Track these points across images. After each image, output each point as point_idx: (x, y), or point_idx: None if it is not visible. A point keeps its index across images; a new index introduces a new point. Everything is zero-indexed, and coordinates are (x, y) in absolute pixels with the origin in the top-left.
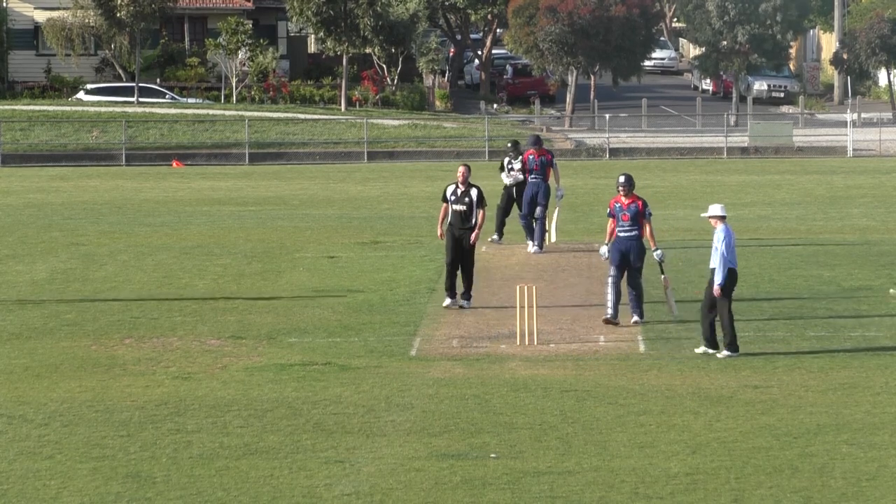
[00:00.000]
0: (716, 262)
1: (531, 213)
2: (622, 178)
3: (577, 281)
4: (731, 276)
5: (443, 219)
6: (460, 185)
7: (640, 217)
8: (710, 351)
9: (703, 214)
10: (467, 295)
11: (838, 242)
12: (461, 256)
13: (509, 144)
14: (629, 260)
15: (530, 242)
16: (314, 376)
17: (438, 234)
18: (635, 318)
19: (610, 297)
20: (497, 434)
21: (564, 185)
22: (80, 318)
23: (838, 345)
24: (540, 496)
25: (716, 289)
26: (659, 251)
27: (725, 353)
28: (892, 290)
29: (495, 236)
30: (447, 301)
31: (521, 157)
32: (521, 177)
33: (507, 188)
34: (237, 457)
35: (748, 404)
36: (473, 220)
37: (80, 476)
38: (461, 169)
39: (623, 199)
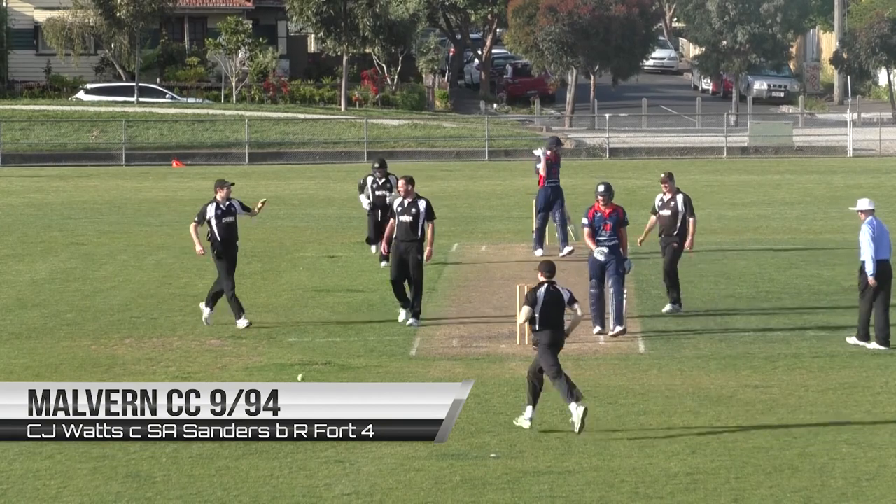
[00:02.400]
0: (865, 254)
1: (561, 216)
2: (602, 188)
3: (576, 281)
4: (881, 268)
5: (389, 235)
6: (406, 197)
7: (620, 226)
8: (860, 343)
9: (850, 208)
10: (416, 313)
11: (838, 242)
12: (407, 272)
13: (376, 164)
14: (609, 270)
15: (563, 246)
16: (314, 376)
17: (383, 249)
18: (619, 328)
19: (594, 311)
20: (497, 434)
21: (564, 185)
22: (80, 318)
23: (838, 345)
24: (540, 496)
25: (870, 279)
26: (628, 261)
27: (874, 345)
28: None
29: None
30: (402, 316)
31: (394, 185)
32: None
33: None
34: (237, 457)
35: (748, 404)
36: (420, 233)
37: (80, 476)
38: (401, 182)
39: (602, 207)
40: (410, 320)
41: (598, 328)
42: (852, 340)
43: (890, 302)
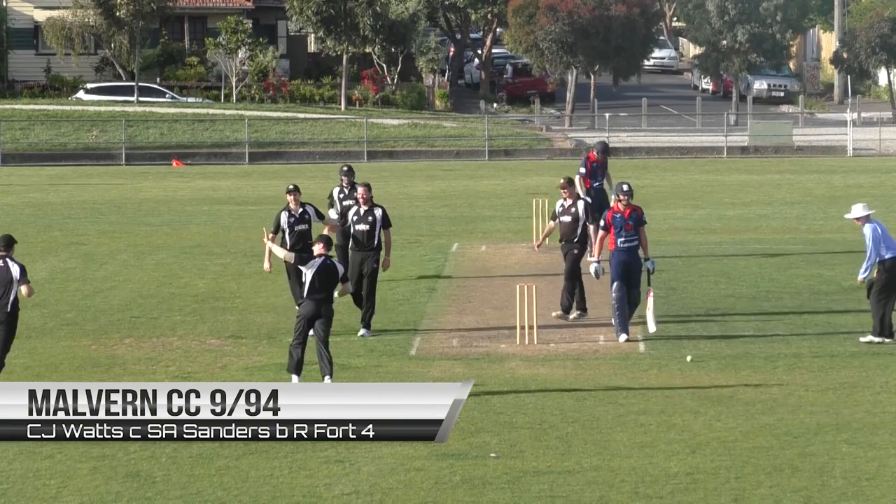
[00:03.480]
0: (873, 254)
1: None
2: (626, 187)
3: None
4: (888, 269)
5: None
6: (362, 205)
7: (640, 225)
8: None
9: (846, 215)
10: (366, 322)
11: (838, 242)
12: (362, 280)
13: (343, 168)
14: (631, 271)
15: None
16: (314, 376)
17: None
18: (625, 336)
19: (619, 318)
20: (497, 433)
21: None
22: (80, 317)
23: (838, 345)
24: (540, 496)
25: (859, 279)
26: (651, 261)
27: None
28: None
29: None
30: (362, 331)
31: (356, 192)
32: (349, 213)
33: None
34: (237, 456)
35: (748, 404)
36: (377, 242)
37: (80, 475)
38: (361, 189)
39: (622, 208)
40: (362, 331)
41: (624, 336)
42: (866, 339)
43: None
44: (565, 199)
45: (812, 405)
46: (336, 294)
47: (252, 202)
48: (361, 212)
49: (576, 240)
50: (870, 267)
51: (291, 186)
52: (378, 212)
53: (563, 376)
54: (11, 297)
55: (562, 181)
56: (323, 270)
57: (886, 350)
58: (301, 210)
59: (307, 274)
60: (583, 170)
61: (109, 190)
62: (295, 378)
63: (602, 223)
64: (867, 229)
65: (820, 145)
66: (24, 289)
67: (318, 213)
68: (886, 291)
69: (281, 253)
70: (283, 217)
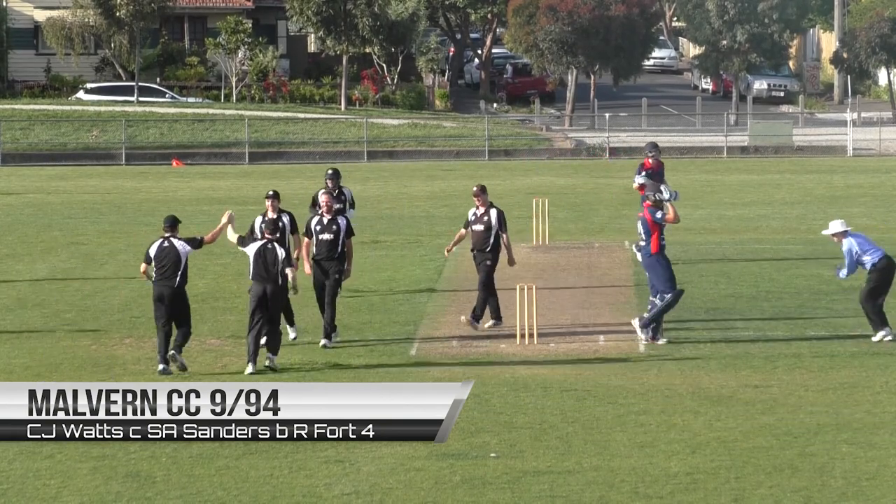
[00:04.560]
0: (865, 260)
1: None
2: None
3: (576, 281)
4: (883, 265)
5: (308, 253)
6: (325, 214)
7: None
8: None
9: (824, 232)
10: (327, 333)
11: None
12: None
13: (329, 172)
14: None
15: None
16: (314, 376)
17: (306, 270)
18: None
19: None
20: (497, 433)
21: (564, 184)
22: (80, 317)
23: (838, 345)
24: (540, 496)
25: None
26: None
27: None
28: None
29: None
30: (323, 341)
31: (344, 194)
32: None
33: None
34: (237, 456)
35: (748, 404)
36: (340, 251)
37: (80, 475)
38: (325, 198)
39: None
40: (323, 341)
41: (663, 339)
42: (877, 338)
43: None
44: (478, 208)
45: (812, 405)
46: (290, 285)
47: (252, 202)
48: (325, 221)
49: (488, 249)
50: (850, 275)
51: (271, 192)
52: (342, 221)
53: (563, 376)
54: (180, 274)
55: (475, 189)
56: (262, 253)
57: (886, 350)
58: (276, 217)
59: (249, 255)
60: (638, 178)
61: (109, 190)
62: (250, 366)
63: (666, 195)
64: (844, 246)
65: (820, 145)
66: (288, 272)
67: (293, 225)
68: (878, 291)
69: (231, 236)
70: (258, 222)
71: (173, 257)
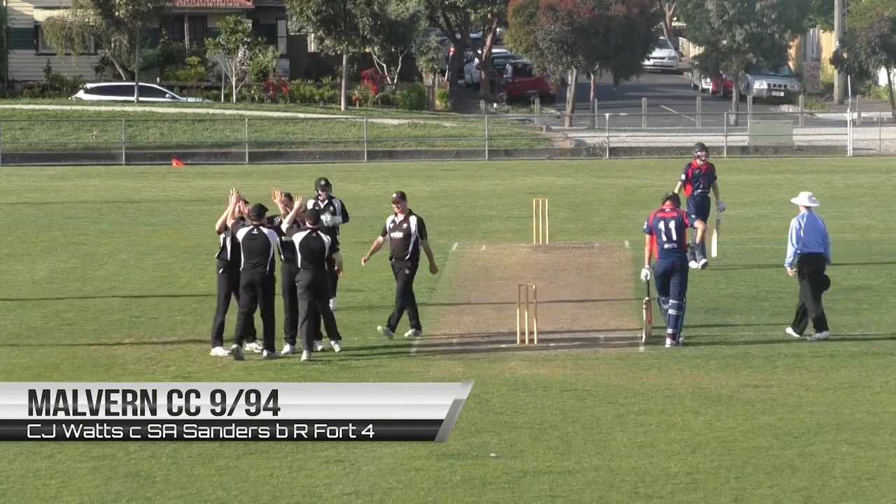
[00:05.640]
0: (788, 247)
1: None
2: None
3: (576, 280)
4: (806, 261)
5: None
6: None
7: (684, 229)
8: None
9: (792, 199)
10: (265, 345)
11: (838, 242)
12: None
13: (322, 183)
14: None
15: (699, 258)
16: (314, 376)
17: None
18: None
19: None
20: (497, 433)
21: (564, 184)
22: (80, 317)
23: (838, 345)
24: (540, 495)
25: (788, 271)
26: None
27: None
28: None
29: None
30: (286, 348)
31: (333, 201)
32: (339, 219)
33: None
34: (237, 456)
35: (748, 404)
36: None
37: (80, 475)
38: (247, 208)
39: (699, 164)
40: (262, 350)
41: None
42: (806, 334)
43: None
44: (397, 215)
45: (812, 405)
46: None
47: (252, 202)
48: (254, 232)
49: (407, 257)
50: (793, 255)
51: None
52: (266, 230)
53: (563, 376)
54: (269, 262)
55: (394, 195)
56: (307, 241)
57: (886, 350)
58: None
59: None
60: (683, 177)
61: (109, 190)
62: (218, 349)
63: (646, 226)
64: (794, 220)
65: (820, 145)
66: (337, 256)
67: (344, 214)
68: (814, 285)
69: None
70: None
71: (262, 245)
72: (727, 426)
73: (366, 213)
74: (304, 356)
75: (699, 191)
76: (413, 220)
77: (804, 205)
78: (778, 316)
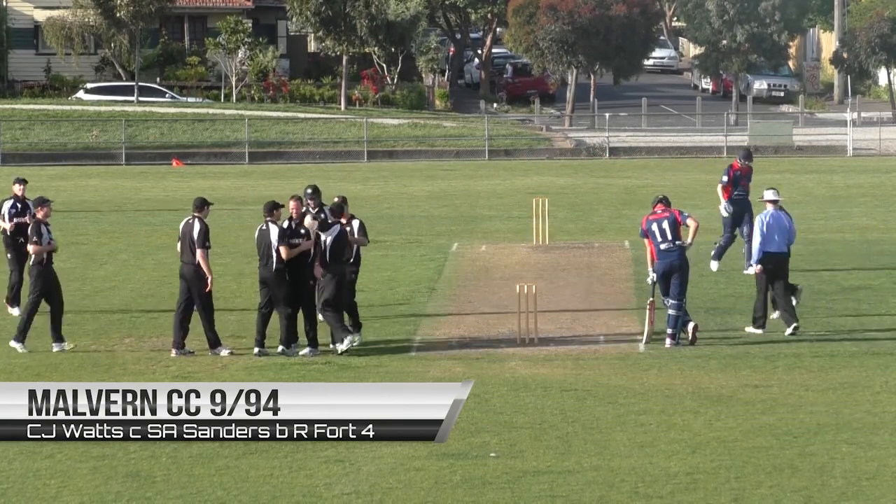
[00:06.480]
0: (754, 244)
1: (749, 231)
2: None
3: (577, 280)
4: (771, 259)
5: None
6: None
7: (678, 226)
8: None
9: (760, 199)
10: (211, 343)
11: (838, 242)
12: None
13: (308, 191)
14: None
15: (749, 263)
16: (314, 376)
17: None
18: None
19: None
20: (497, 433)
21: (564, 184)
22: (80, 317)
23: (838, 345)
24: (540, 495)
25: (756, 268)
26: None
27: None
28: None
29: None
30: (255, 350)
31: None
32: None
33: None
34: (237, 456)
35: (748, 404)
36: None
37: (80, 475)
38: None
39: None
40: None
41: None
42: (749, 329)
43: (783, 291)
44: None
45: (812, 405)
46: None
47: (252, 202)
48: (293, 226)
49: (351, 260)
50: (758, 253)
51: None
52: (197, 225)
53: (563, 376)
54: (275, 258)
55: (335, 199)
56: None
57: (886, 350)
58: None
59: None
60: (725, 178)
61: (109, 190)
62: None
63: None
64: (760, 216)
65: (820, 145)
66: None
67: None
68: (776, 282)
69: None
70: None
71: (265, 242)
72: (727, 426)
73: (365, 213)
74: (349, 344)
75: (739, 194)
76: (356, 224)
77: (768, 199)
78: (778, 316)
